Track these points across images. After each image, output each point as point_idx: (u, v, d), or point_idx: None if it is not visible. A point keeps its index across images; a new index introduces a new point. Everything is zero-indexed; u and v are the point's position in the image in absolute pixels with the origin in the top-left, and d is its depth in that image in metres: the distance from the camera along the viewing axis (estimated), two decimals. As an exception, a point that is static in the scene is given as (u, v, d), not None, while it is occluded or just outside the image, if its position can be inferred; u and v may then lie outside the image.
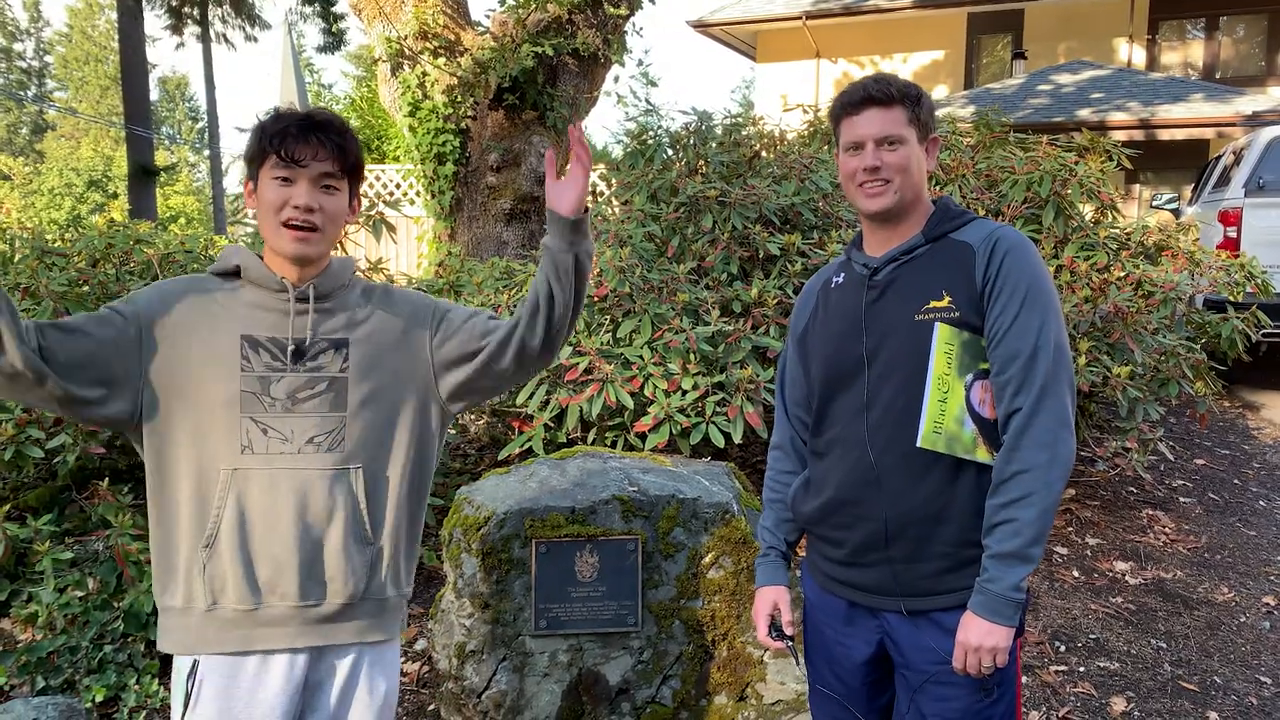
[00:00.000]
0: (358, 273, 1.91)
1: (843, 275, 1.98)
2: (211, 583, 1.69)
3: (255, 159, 1.74)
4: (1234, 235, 7.22)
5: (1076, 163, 5.13)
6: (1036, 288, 1.76)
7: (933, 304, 1.80)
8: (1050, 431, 1.71)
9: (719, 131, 5.42)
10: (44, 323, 1.63)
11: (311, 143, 1.70)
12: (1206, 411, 4.73)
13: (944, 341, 1.77)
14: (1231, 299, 5.36)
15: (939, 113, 12.63)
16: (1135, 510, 4.92)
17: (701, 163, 4.90)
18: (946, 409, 1.78)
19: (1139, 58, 14.93)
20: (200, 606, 1.69)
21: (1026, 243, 1.83)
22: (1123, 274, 4.66)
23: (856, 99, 1.87)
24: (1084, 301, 4.43)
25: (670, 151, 5.29)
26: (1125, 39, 14.81)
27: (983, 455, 1.78)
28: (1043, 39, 15.30)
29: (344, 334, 1.78)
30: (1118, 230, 5.16)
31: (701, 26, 17.23)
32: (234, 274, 1.78)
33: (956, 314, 1.78)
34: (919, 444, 1.78)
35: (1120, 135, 11.96)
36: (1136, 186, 13.06)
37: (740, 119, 5.75)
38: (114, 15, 30.59)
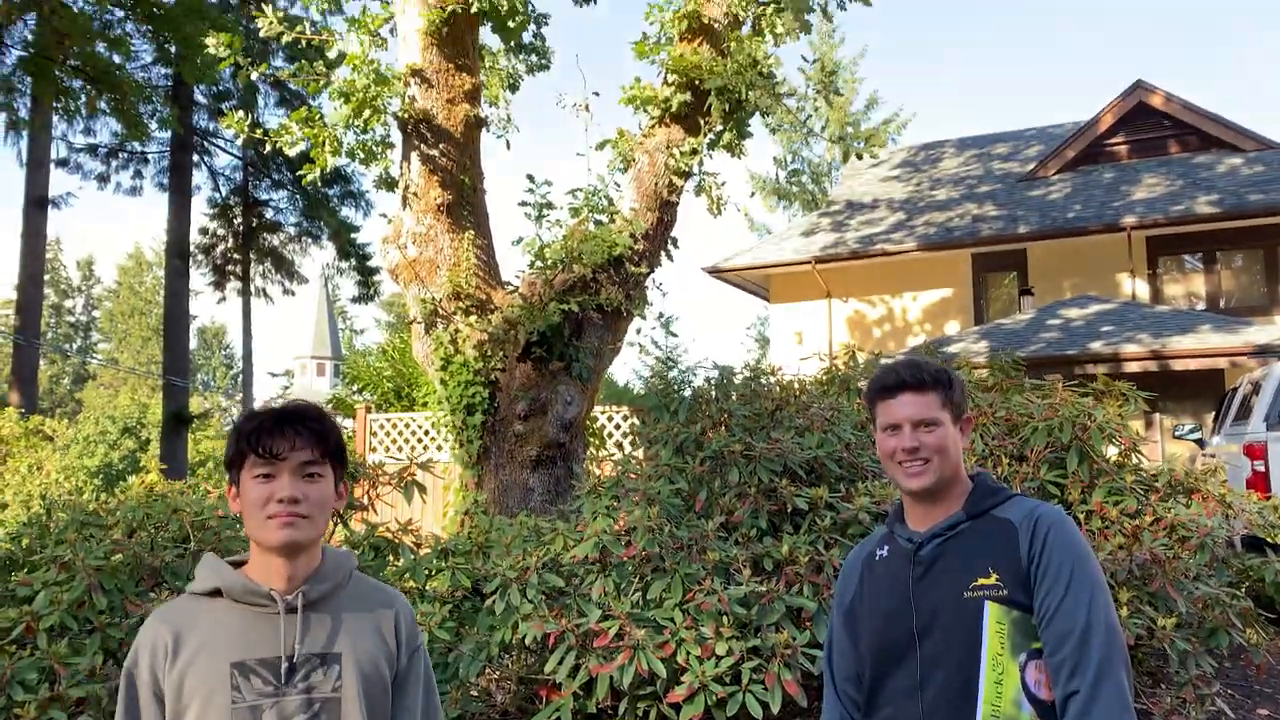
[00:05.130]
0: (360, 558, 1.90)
1: (886, 549, 2.01)
2: None
3: (234, 462, 1.72)
4: (1262, 470, 7.21)
5: (1094, 407, 5.21)
6: (1082, 565, 1.80)
7: (980, 581, 1.83)
8: (1111, 715, 1.69)
9: (739, 381, 5.59)
10: None
11: (288, 434, 1.69)
12: (1262, 661, 4.54)
13: (995, 621, 1.79)
14: (1270, 540, 5.27)
15: (952, 349, 12.95)
16: (1201, 771, 4.61)
17: (725, 415, 5.02)
18: (1003, 691, 1.77)
19: (1143, 290, 15.42)
20: None
21: (1066, 519, 1.88)
22: (1154, 519, 4.63)
23: (892, 383, 1.97)
24: (1119, 549, 4.37)
25: (693, 404, 5.42)
26: (1127, 274, 15.36)
27: None
28: (1047, 276, 15.88)
29: (335, 647, 1.71)
30: (1144, 473, 5.16)
31: (716, 272, 18.06)
32: (216, 593, 1.72)
33: (1004, 592, 1.80)
34: None
35: (1134, 366, 12.17)
36: (1157, 416, 13.15)
37: (760, 370, 5.93)
38: (161, 272, 32.52)
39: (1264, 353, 11.24)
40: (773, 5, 7.76)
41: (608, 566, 4.00)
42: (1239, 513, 4.97)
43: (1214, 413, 11.32)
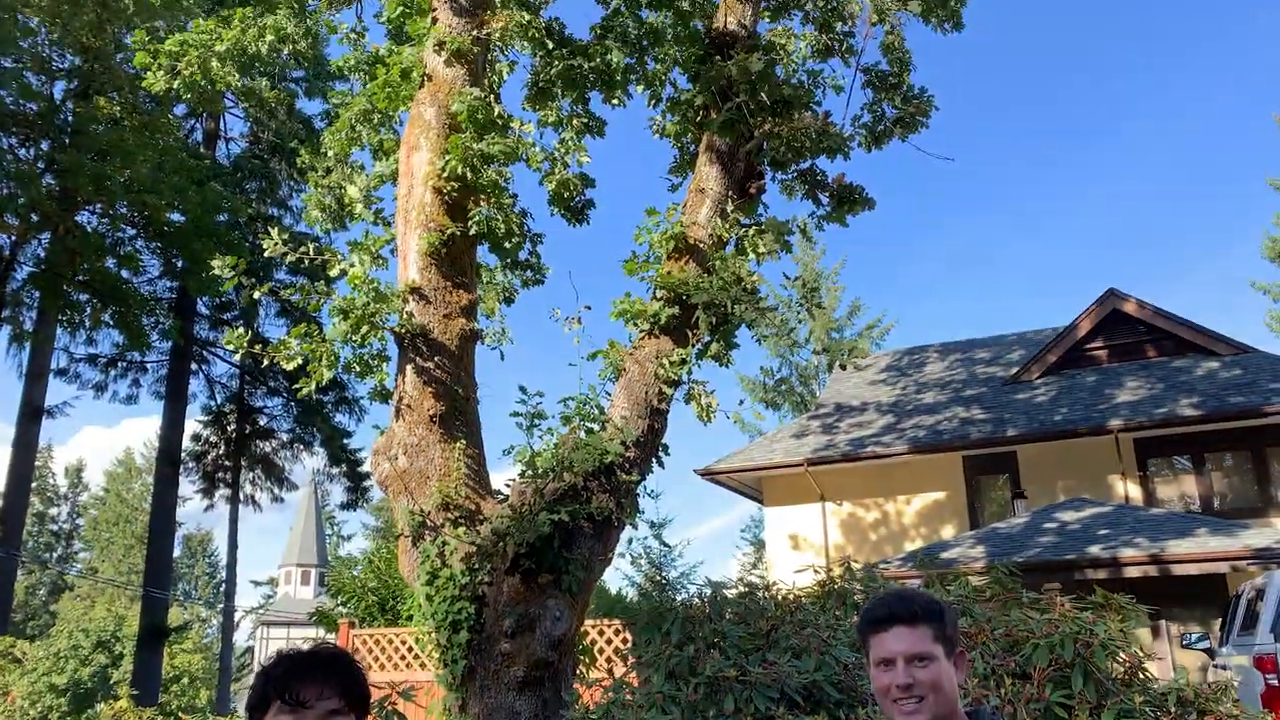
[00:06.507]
0: None
1: None
2: None
3: (258, 707, 1.67)
4: (1275, 683, 6.98)
5: (1095, 622, 5.09)
6: None
7: None
8: None
9: (733, 596, 5.46)
10: None
11: (316, 681, 1.66)
12: None
13: None
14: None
15: (949, 554, 12.77)
16: None
17: (718, 637, 4.88)
18: None
19: (1135, 492, 15.39)
20: None
21: None
22: (1170, 744, 4.42)
23: (882, 616, 1.95)
24: (1136, 778, 4.15)
25: (686, 623, 5.27)
26: (1119, 475, 15.38)
27: None
28: (1038, 478, 15.89)
29: None
30: (1153, 692, 4.97)
31: (709, 474, 18.04)
32: None
33: None
34: None
35: (1134, 571, 11.98)
36: (1163, 623, 12.82)
37: (754, 585, 5.82)
38: (150, 479, 32.32)
39: (1263, 557, 11.11)
40: (755, 227, 8.15)
41: (597, 806, 3.77)
42: (1257, 736, 4.76)
43: (1220, 618, 11.05)
